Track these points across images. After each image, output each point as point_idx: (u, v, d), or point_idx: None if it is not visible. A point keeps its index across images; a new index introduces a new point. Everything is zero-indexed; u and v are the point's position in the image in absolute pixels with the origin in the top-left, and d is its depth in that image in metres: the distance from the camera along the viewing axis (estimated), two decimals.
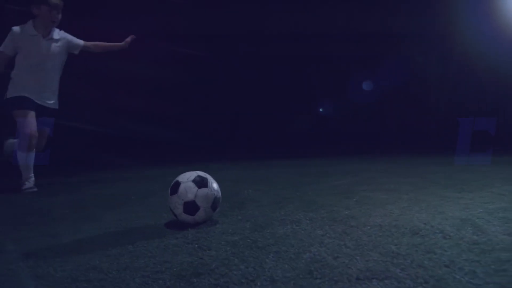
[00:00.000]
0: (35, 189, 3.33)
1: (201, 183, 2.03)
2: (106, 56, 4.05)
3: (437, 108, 8.64)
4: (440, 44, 8.33)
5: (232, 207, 2.44)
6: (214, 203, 2.06)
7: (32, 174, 3.36)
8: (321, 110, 11.12)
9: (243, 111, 10.08)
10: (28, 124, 3.26)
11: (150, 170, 4.72)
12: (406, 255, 1.51)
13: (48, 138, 3.62)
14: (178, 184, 2.04)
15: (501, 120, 7.38)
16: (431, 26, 7.95)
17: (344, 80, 9.88)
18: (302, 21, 8.18)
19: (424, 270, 1.37)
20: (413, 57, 8.84)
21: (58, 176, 4.18)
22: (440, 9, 7.67)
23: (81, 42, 3.63)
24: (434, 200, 2.44)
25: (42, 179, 3.56)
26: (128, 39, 3.79)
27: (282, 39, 8.87)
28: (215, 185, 2.09)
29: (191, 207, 1.99)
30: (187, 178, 2.05)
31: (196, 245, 1.73)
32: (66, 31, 3.57)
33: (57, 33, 3.48)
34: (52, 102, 3.50)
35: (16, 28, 3.33)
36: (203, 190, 2.02)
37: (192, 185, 2.01)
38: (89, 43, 3.67)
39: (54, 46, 3.45)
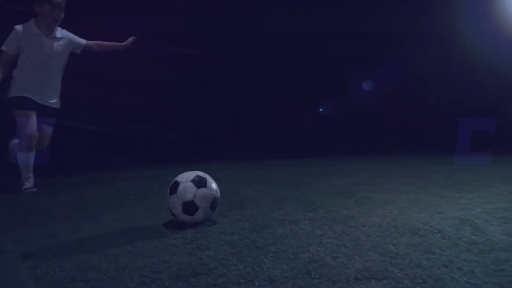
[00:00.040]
0: (35, 189, 3.33)
1: (200, 183, 2.03)
2: (106, 56, 4.05)
3: (437, 108, 8.63)
4: (440, 44, 8.32)
5: (231, 207, 2.44)
6: (213, 203, 2.06)
7: (32, 174, 3.35)
8: (321, 110, 11.09)
9: (243, 111, 10.06)
10: (28, 125, 3.26)
11: (150, 170, 4.72)
12: (404, 255, 1.51)
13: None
14: (177, 184, 2.04)
15: (501, 120, 7.36)
16: (431, 26, 7.95)
17: (344, 80, 9.86)
18: (302, 21, 8.18)
19: (423, 270, 1.37)
20: (413, 57, 8.82)
21: (58, 176, 4.18)
22: (440, 9, 7.67)
23: (83, 41, 3.63)
24: (433, 200, 2.44)
25: (42, 179, 3.56)
26: (130, 39, 3.79)
27: (282, 39, 8.86)
28: (214, 185, 2.09)
29: (190, 207, 1.99)
30: (186, 178, 2.05)
31: (195, 245, 1.73)
32: (66, 30, 3.57)
33: (60, 32, 3.47)
34: (54, 101, 3.49)
35: (18, 27, 3.31)
36: (202, 190, 2.02)
37: (191, 185, 2.01)
38: (91, 43, 3.67)
39: (57, 45, 3.44)
